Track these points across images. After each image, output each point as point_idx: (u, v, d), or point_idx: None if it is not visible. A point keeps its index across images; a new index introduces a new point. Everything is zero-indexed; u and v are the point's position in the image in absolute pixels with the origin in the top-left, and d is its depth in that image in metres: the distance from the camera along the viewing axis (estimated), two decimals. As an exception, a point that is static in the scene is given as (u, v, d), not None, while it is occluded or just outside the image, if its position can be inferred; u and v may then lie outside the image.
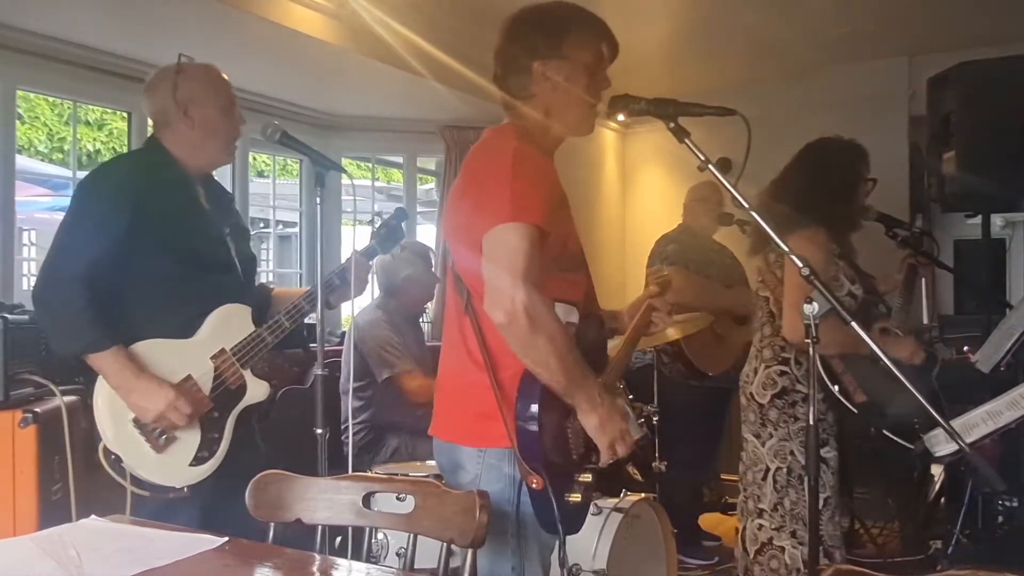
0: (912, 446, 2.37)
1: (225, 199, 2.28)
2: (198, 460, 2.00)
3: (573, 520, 1.70)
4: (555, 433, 1.64)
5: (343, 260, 2.28)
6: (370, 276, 2.31)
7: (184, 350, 2.01)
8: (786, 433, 2.57)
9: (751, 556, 2.64)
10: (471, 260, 1.66)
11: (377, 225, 2.33)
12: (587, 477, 1.67)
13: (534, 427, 1.59)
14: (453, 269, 1.78)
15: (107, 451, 1.92)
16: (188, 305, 2.03)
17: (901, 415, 2.41)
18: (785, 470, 2.57)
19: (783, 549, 2.57)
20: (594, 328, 1.81)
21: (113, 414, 1.93)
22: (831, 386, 2.45)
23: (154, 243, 1.98)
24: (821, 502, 2.50)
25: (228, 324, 2.08)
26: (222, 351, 2.05)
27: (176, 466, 1.97)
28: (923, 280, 2.79)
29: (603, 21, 1.79)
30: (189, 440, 1.99)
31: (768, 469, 2.61)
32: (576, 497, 1.65)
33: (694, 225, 4.11)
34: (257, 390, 2.12)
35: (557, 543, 1.69)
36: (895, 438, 2.40)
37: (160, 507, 1.90)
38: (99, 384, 1.93)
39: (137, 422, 1.94)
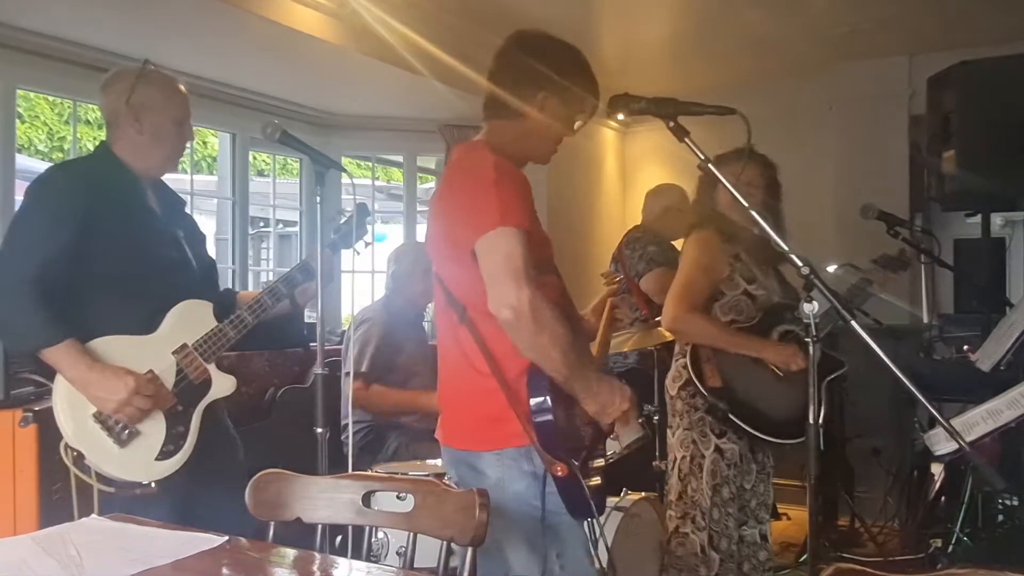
0: (767, 436, 2.50)
1: (177, 204, 2.30)
2: (164, 454, 2.00)
3: (597, 503, 1.77)
4: (567, 422, 1.73)
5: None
6: (335, 271, 2.41)
7: (145, 346, 2.02)
8: (688, 423, 2.64)
9: (666, 547, 2.71)
10: (463, 274, 1.73)
11: (341, 221, 2.36)
12: (600, 462, 1.78)
13: (549, 418, 1.67)
14: (443, 286, 1.83)
15: (68, 448, 1.92)
16: (146, 302, 2.05)
17: (757, 408, 2.52)
18: (688, 458, 2.64)
19: (687, 535, 2.63)
20: (573, 326, 1.86)
21: (72, 410, 1.93)
22: (690, 370, 2.55)
23: (107, 243, 2.00)
24: (714, 492, 2.58)
25: (189, 320, 2.10)
26: (184, 346, 2.07)
27: (141, 461, 1.98)
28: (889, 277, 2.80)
29: (597, 81, 1.89)
30: (153, 434, 2.00)
31: (676, 459, 2.69)
32: (596, 480, 1.75)
33: (659, 228, 4.01)
34: (223, 384, 2.13)
35: (589, 531, 1.80)
36: (739, 422, 2.49)
37: (130, 504, 1.89)
38: (57, 380, 1.94)
39: (98, 416, 1.94)
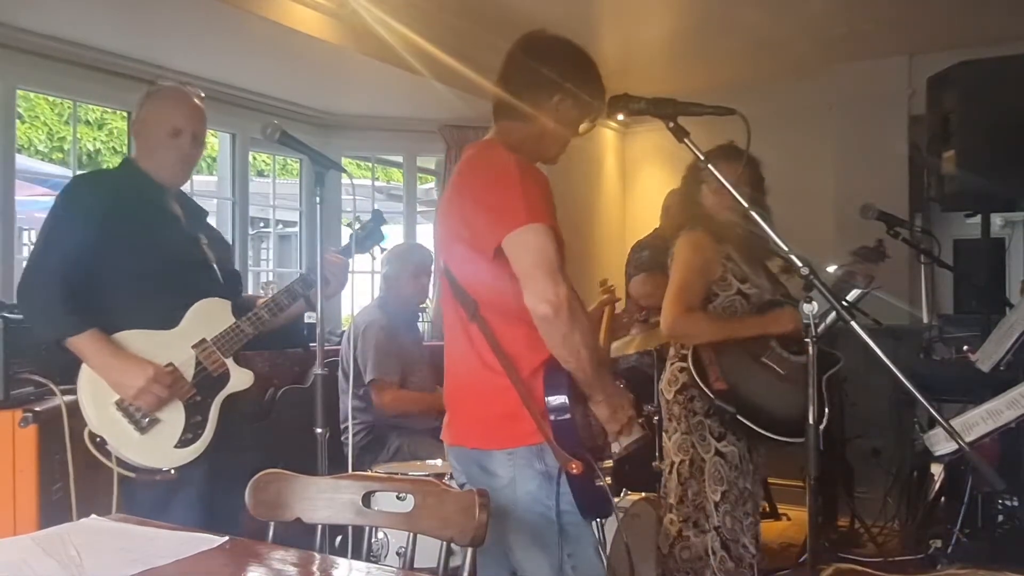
0: (776, 436, 2.46)
1: (200, 213, 2.39)
2: (183, 442, 2.07)
3: (607, 504, 1.80)
4: (582, 420, 1.74)
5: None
6: (348, 273, 2.42)
7: (165, 340, 2.10)
8: (687, 427, 2.64)
9: (665, 551, 2.70)
10: (480, 271, 1.72)
11: (356, 227, 2.42)
12: (609, 463, 1.81)
13: (567, 415, 1.68)
14: (453, 282, 1.82)
15: (92, 435, 2.01)
16: (168, 299, 2.12)
17: (763, 408, 2.49)
18: (688, 462, 2.64)
19: (690, 539, 2.63)
20: None
21: (95, 397, 2.02)
22: (694, 375, 2.52)
23: (128, 243, 2.10)
24: (719, 495, 2.56)
25: (208, 316, 2.17)
26: (203, 341, 2.14)
27: (161, 448, 2.05)
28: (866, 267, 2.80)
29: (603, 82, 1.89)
30: (173, 422, 2.07)
31: (674, 463, 2.68)
32: (608, 480, 1.77)
33: (664, 230, 4.05)
34: (241, 378, 2.20)
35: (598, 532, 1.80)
36: (748, 423, 2.46)
37: (155, 493, 1.99)
38: (82, 370, 2.02)
39: (120, 404, 2.02)
